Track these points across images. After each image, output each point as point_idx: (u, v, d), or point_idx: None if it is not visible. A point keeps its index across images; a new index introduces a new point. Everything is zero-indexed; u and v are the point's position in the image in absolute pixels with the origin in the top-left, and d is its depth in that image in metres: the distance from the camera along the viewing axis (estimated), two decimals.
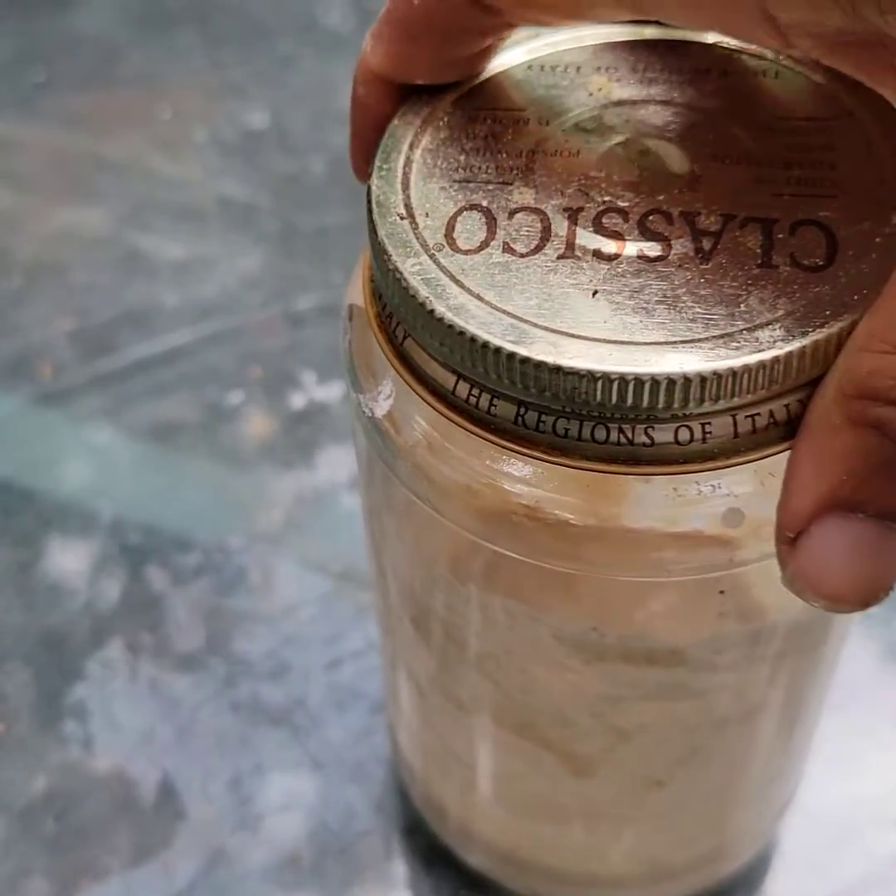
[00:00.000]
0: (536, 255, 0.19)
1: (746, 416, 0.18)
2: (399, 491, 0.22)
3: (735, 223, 0.19)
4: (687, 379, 0.17)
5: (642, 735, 0.25)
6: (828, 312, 0.18)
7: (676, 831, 0.29)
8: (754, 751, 0.27)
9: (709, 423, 0.18)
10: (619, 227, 0.19)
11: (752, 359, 0.18)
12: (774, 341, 0.18)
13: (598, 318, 0.18)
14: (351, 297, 0.22)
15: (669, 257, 0.19)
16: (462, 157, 0.21)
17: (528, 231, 0.20)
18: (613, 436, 0.18)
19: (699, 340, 0.18)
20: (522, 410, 0.19)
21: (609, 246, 0.19)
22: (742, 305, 0.18)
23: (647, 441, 0.18)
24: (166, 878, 0.33)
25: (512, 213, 0.20)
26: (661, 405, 0.18)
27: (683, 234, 0.19)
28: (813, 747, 0.31)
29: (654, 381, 0.17)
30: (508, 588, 0.23)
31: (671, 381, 0.17)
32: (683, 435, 0.18)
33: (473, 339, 0.18)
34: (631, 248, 0.19)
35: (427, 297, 0.19)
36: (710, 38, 0.22)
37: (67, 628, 0.38)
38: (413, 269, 0.19)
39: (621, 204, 0.20)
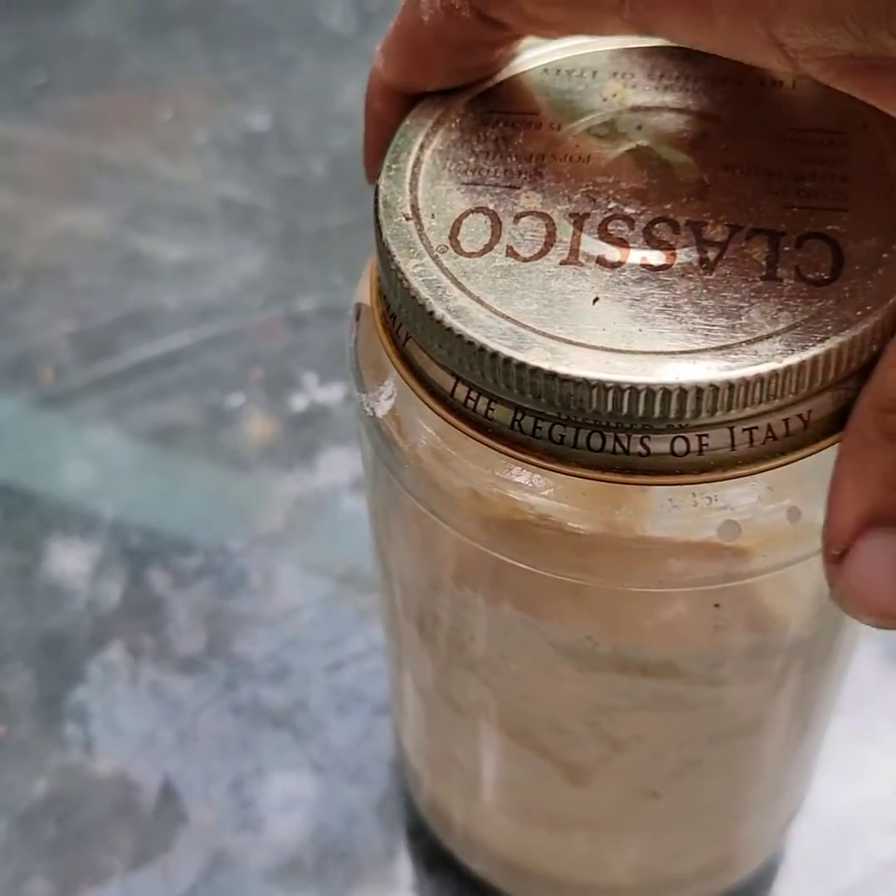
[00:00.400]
0: (539, 260, 0.19)
1: (744, 430, 0.18)
2: (401, 492, 0.22)
3: (741, 234, 0.19)
4: (683, 390, 0.17)
5: (637, 745, 0.25)
6: (830, 327, 0.18)
7: (674, 842, 0.29)
8: (757, 764, 0.27)
9: (706, 435, 0.18)
10: (625, 234, 0.19)
11: (751, 372, 0.17)
12: (774, 355, 0.17)
13: (598, 325, 0.18)
14: (359, 295, 0.22)
15: (673, 266, 0.19)
16: (472, 160, 0.21)
17: (532, 235, 0.19)
18: (609, 444, 0.18)
19: (698, 351, 0.18)
20: (519, 415, 0.19)
21: (613, 253, 0.19)
22: (743, 317, 0.18)
23: (643, 451, 0.18)
24: (167, 880, 0.33)
25: (518, 217, 0.20)
26: (656, 415, 0.18)
27: (688, 243, 0.19)
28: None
29: (650, 391, 0.17)
30: (505, 593, 0.22)
31: (667, 392, 0.17)
32: (680, 446, 0.18)
33: (471, 343, 0.18)
34: (635, 255, 0.19)
35: (427, 299, 0.19)
36: None
37: (68, 630, 0.38)
38: (415, 270, 0.19)
39: (628, 211, 0.20)
